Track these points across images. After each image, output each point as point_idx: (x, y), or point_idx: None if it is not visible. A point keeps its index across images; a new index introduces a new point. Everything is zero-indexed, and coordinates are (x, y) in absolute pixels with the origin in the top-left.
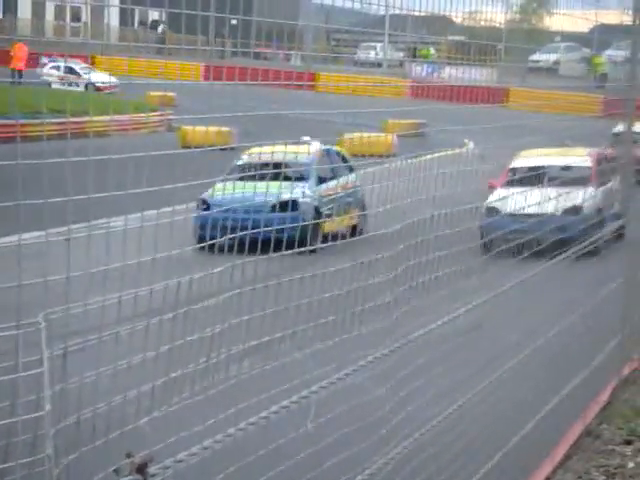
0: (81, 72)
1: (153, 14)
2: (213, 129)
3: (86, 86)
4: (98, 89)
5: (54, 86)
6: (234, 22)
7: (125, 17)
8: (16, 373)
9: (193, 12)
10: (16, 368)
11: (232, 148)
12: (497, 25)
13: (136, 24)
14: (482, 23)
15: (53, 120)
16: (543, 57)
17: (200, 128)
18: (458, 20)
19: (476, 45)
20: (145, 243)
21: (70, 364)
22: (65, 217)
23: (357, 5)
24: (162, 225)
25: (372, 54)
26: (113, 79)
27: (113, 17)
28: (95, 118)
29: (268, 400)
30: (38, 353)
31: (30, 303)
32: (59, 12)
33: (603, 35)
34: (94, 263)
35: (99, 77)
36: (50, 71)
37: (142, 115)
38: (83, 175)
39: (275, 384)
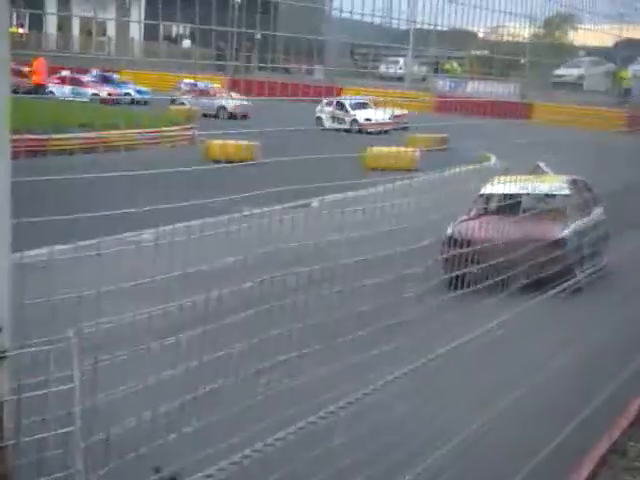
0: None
1: (178, 28)
2: (239, 144)
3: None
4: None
5: None
6: (259, 37)
7: (150, 31)
8: (47, 388)
9: (220, 28)
10: (47, 383)
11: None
12: (521, 40)
13: (162, 38)
14: (506, 38)
15: (80, 135)
16: (568, 72)
17: (227, 143)
18: (482, 35)
19: (500, 60)
20: (184, 255)
21: (101, 379)
22: (95, 230)
23: (381, 20)
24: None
25: (396, 68)
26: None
27: (137, 31)
28: (121, 131)
29: (296, 415)
30: (69, 368)
31: (61, 318)
32: (84, 26)
33: (627, 50)
34: (124, 276)
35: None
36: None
37: (168, 129)
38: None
39: (302, 400)
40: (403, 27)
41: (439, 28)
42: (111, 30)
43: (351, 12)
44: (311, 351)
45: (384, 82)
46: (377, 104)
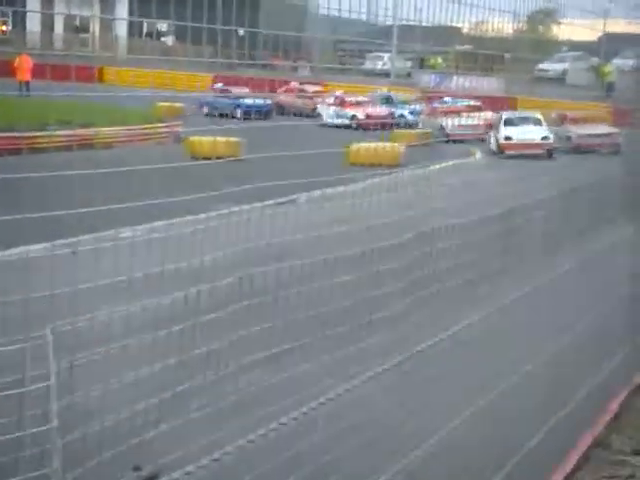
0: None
1: (162, 25)
2: (221, 140)
3: None
4: None
5: None
6: (241, 33)
7: (133, 28)
8: (23, 387)
9: (198, 25)
10: (23, 381)
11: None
12: (504, 35)
13: (144, 35)
14: (490, 33)
15: (61, 132)
16: (551, 66)
17: (208, 139)
18: (466, 30)
19: (484, 55)
20: (153, 255)
21: (78, 377)
22: (73, 229)
23: (364, 16)
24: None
25: (380, 64)
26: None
27: (121, 28)
28: (103, 129)
29: (277, 412)
30: (45, 367)
31: (37, 316)
32: (68, 24)
33: (610, 44)
34: (102, 274)
35: None
36: None
37: (151, 126)
38: (95, 186)
39: (284, 396)
40: (387, 23)
41: (423, 24)
42: (95, 27)
43: (334, 9)
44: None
45: (369, 78)
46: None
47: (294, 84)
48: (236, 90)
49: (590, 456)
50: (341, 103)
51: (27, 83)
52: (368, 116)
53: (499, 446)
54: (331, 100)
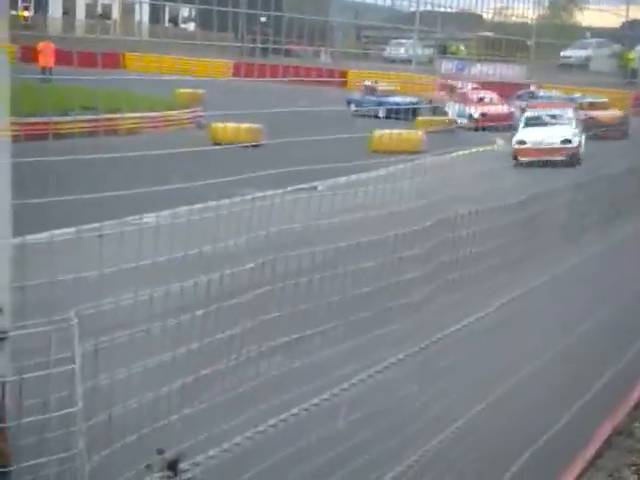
0: None
1: (184, 11)
2: (244, 126)
3: None
4: None
5: None
6: (264, 19)
7: (156, 14)
8: (48, 370)
9: (223, 9)
10: (48, 365)
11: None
12: (527, 21)
13: (167, 21)
14: (512, 19)
15: (84, 118)
16: (574, 53)
17: (231, 125)
18: (488, 16)
19: (506, 41)
20: (177, 240)
21: (102, 361)
22: (98, 214)
23: (387, 2)
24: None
25: (401, 50)
26: None
27: (143, 14)
28: (126, 115)
29: (300, 397)
30: (70, 350)
31: (63, 300)
32: (90, 10)
33: (634, 30)
34: (126, 259)
35: None
36: None
37: (174, 112)
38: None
39: (306, 381)
40: (411, 9)
41: (445, 10)
42: (115, 13)
43: None
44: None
45: (390, 65)
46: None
47: (441, 80)
48: (382, 87)
49: (611, 444)
50: (464, 99)
51: (50, 69)
52: (483, 114)
53: (522, 431)
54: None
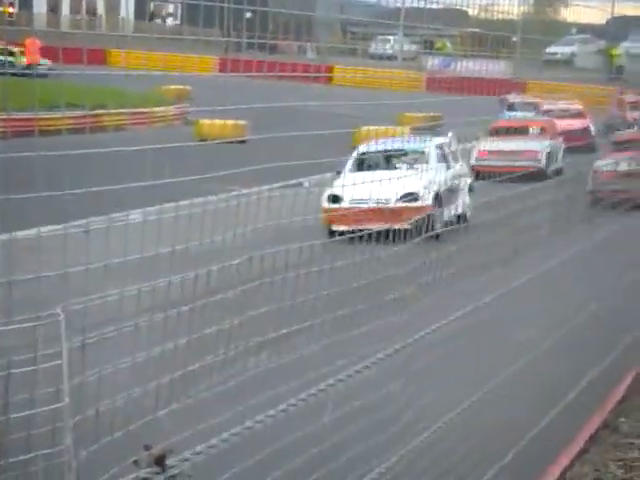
0: None
1: (169, 7)
2: (229, 122)
3: None
4: None
5: None
6: (249, 15)
7: (141, 10)
8: (35, 365)
9: (209, 3)
10: (35, 360)
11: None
12: (513, 17)
13: (152, 17)
14: (498, 16)
15: (70, 114)
16: (559, 49)
17: (216, 121)
18: (474, 13)
19: (492, 37)
20: (163, 236)
21: (89, 356)
22: (84, 210)
23: None
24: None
25: (387, 47)
26: None
27: (129, 10)
28: (113, 111)
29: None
30: (57, 346)
31: (49, 296)
32: (74, 6)
33: (619, 27)
34: (112, 255)
35: None
36: None
37: (161, 109)
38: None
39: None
40: (396, 4)
41: (430, 6)
42: (101, 9)
43: None
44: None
45: (375, 61)
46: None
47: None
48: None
49: (598, 438)
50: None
51: (35, 65)
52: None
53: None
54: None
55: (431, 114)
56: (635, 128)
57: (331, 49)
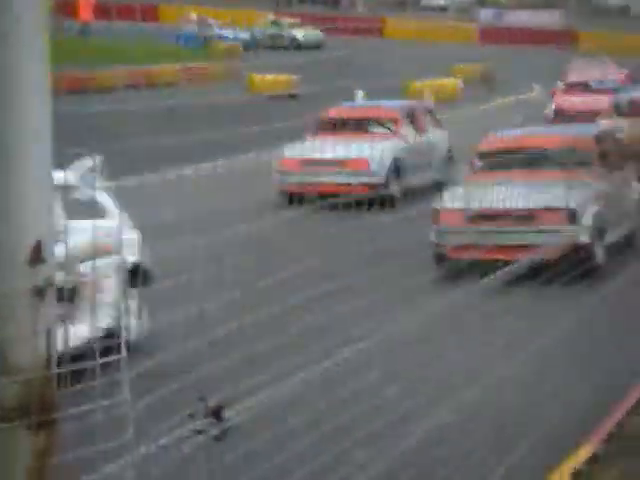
0: None
1: None
2: (281, 77)
3: None
4: None
5: None
6: None
7: None
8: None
9: None
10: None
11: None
12: None
13: None
14: None
15: (123, 69)
16: None
17: (269, 76)
18: None
19: None
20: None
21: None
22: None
23: None
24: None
25: None
26: None
27: None
28: (166, 67)
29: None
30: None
31: None
32: None
33: None
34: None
35: None
36: None
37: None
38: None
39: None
40: None
41: None
42: None
43: None
44: None
45: (427, 13)
46: None
47: None
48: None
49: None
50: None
51: (88, 23)
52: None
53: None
54: None
55: (484, 65)
56: None
57: (381, 1)
